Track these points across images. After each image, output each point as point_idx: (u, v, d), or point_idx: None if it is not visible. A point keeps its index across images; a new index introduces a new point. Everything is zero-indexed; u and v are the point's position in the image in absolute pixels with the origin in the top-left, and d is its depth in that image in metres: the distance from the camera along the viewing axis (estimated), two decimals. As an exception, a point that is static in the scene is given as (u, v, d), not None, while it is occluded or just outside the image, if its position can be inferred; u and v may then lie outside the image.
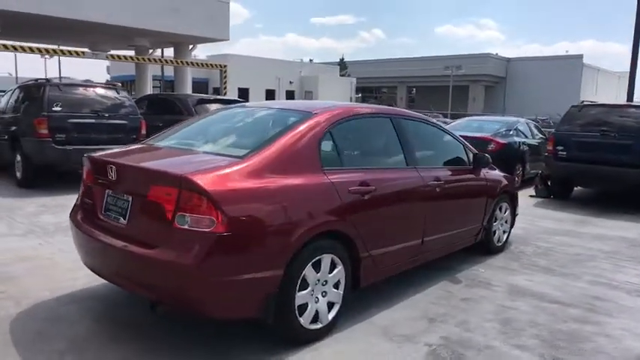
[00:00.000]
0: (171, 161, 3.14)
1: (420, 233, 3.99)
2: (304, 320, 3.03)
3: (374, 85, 57.08)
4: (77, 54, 10.97)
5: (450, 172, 4.47)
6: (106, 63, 35.62)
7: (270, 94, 37.87)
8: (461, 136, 9.77)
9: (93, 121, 7.87)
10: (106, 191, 3.13)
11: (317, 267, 3.08)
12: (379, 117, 4.01)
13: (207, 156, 3.12)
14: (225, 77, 13.08)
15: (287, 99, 38.26)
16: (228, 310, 2.76)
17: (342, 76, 46.94)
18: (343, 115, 3.56)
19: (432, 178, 4.07)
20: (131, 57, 13.50)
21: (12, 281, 3.95)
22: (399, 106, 50.82)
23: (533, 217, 7.36)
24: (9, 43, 14.26)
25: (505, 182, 5.37)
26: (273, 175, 2.91)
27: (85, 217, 3.27)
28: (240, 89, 36.08)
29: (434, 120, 4.84)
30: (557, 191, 9.11)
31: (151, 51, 16.06)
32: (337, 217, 3.16)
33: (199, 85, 36.52)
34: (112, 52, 15.45)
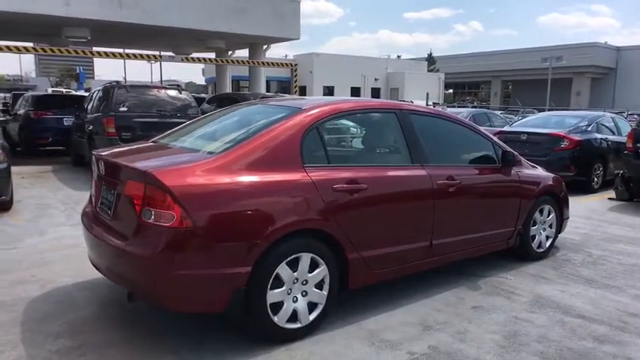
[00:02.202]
0: (150, 158, 3.26)
1: (428, 235, 3.76)
2: (279, 319, 3.00)
3: (465, 80, 54.80)
4: (155, 58, 11.89)
5: (469, 171, 4.17)
6: (201, 66, 37.90)
7: (355, 92, 37.88)
8: (531, 132, 9.23)
9: (156, 120, 8.43)
10: (102, 186, 3.34)
11: (294, 265, 3.03)
12: (381, 112, 3.84)
13: (188, 153, 3.20)
14: (296, 76, 13.32)
15: (372, 96, 38.05)
16: (191, 304, 2.82)
17: (430, 71, 45.65)
18: (335, 111, 3.46)
19: (444, 177, 3.81)
20: (203, 59, 14.30)
21: (45, 266, 4.36)
22: (493, 101, 48.32)
23: (600, 222, 6.63)
24: (116, 50, 15.82)
25: (548, 183, 4.89)
26: (245, 171, 2.92)
27: (88, 212, 3.52)
28: (325, 87, 36.58)
29: (457, 116, 4.51)
30: (639, 194, 8.10)
31: (230, 52, 16.86)
32: (316, 215, 3.09)
33: (286, 84, 37.58)
34: (194, 54, 16.48)
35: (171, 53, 15.79)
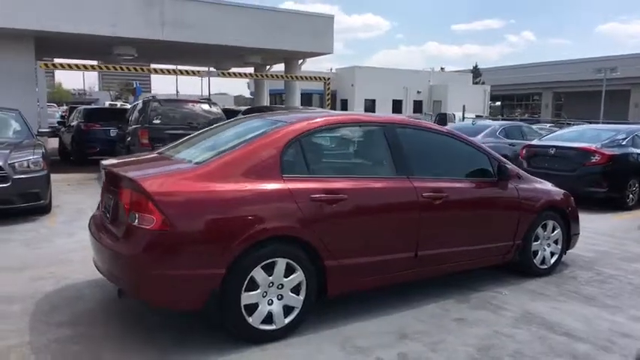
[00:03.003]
0: (145, 167, 3.54)
1: (413, 246, 3.84)
2: (253, 320, 3.18)
3: (515, 92, 53.30)
4: (194, 73, 12.63)
5: (460, 184, 4.20)
6: (246, 80, 39.00)
7: (396, 105, 37.78)
8: (559, 146, 8.99)
9: (187, 132, 8.84)
10: (105, 193, 3.66)
11: (269, 270, 3.21)
12: (368, 126, 3.98)
13: (179, 163, 3.46)
14: (329, 89, 13.60)
15: (414, 109, 37.82)
16: (169, 301, 3.06)
17: (475, 83, 44.82)
18: (319, 125, 3.64)
19: (431, 190, 3.89)
20: (241, 74, 14.89)
21: (65, 265, 4.76)
22: (544, 114, 46.77)
23: (623, 240, 6.38)
24: (168, 67, 16.79)
25: (552, 197, 4.83)
26: (225, 180, 3.13)
27: (95, 215, 3.86)
28: (366, 100, 36.71)
29: (447, 129, 4.57)
30: (676, 212, 7.70)
31: (268, 67, 17.43)
32: (292, 223, 3.25)
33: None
34: (236, 69, 17.18)
35: (212, 69, 16.53)
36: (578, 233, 5.18)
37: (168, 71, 15.82)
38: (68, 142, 13.97)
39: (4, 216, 6.34)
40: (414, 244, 3.85)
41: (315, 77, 13.93)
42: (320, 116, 3.78)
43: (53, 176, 7.35)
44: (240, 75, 15.15)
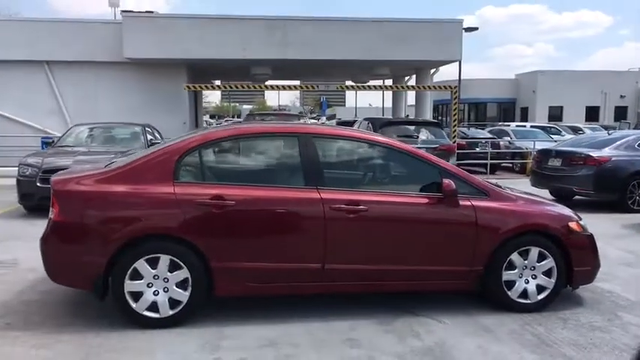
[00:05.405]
0: (76, 172, 4.16)
1: (319, 258, 3.76)
2: (138, 306, 3.60)
3: None
4: (313, 87, 13.54)
5: (390, 198, 3.90)
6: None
7: (592, 112, 33.00)
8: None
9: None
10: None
11: (154, 263, 3.61)
12: (280, 137, 4.04)
13: (105, 168, 4.07)
14: (456, 98, 12.87)
15: (615, 117, 32.47)
16: (65, 280, 3.72)
17: None
18: (223, 135, 3.93)
19: (343, 202, 3.76)
20: (373, 86, 15.17)
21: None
22: None
23: None
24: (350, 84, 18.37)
25: (535, 221, 4.08)
26: (118, 182, 3.66)
27: None
28: (551, 108, 33.03)
29: (386, 140, 4.18)
30: None
31: (407, 78, 17.32)
32: (173, 224, 3.59)
33: (506, 105, 35.42)
34: (372, 82, 17.62)
35: (349, 82, 17.26)
36: (591, 267, 4.19)
37: (341, 87, 17.05)
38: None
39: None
40: (320, 256, 3.77)
41: (442, 87, 13.39)
42: (226, 129, 4.03)
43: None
44: (374, 87, 15.50)
